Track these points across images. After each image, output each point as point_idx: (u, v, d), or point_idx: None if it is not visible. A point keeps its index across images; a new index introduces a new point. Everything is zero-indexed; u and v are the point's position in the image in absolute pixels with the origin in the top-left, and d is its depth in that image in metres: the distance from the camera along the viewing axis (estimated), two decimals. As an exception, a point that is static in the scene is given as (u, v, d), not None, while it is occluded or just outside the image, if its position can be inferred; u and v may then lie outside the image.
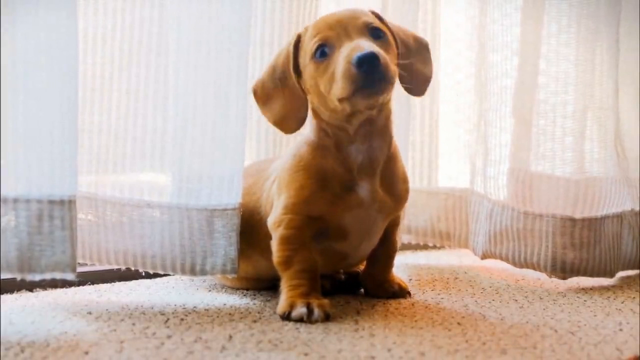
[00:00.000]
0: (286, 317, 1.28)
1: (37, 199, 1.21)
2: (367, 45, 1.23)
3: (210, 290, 1.51)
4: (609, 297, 1.51)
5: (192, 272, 1.41)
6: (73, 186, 1.25)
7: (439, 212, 1.89)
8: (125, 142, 1.43)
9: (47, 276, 1.22)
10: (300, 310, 1.27)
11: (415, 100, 1.83)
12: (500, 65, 1.72)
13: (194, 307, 1.37)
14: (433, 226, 1.90)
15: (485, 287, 1.58)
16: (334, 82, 1.25)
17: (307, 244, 1.34)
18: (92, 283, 1.54)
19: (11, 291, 1.44)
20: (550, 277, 1.64)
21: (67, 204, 1.23)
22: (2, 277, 1.32)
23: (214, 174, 1.41)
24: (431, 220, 1.89)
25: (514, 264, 1.68)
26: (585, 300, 1.47)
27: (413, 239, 1.91)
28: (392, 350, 1.10)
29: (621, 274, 1.72)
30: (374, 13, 1.35)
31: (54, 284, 1.47)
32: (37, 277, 1.22)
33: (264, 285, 1.50)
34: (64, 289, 1.48)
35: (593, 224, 1.64)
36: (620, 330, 1.25)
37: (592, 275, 1.64)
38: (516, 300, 1.46)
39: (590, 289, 1.59)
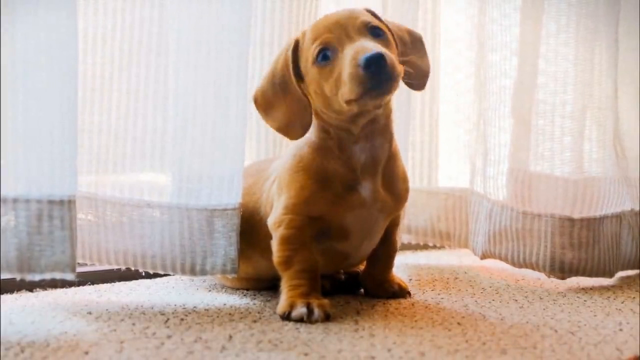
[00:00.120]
0: (286, 317, 1.28)
1: (36, 199, 1.21)
2: (372, 46, 1.22)
3: (210, 290, 1.51)
4: (609, 297, 1.51)
5: (192, 272, 1.41)
6: (73, 186, 1.25)
7: (438, 212, 1.89)
8: (125, 142, 1.43)
9: (47, 276, 1.22)
10: (300, 310, 1.27)
11: (416, 99, 1.84)
12: (499, 65, 1.72)
13: (194, 307, 1.37)
14: (433, 226, 1.90)
15: (485, 287, 1.58)
16: (340, 85, 1.25)
17: (307, 244, 1.34)
18: (92, 283, 1.54)
19: (11, 291, 1.44)
20: (549, 277, 1.64)
21: (67, 204, 1.23)
22: (2, 277, 1.32)
23: (214, 174, 1.41)
24: (431, 220, 1.89)
25: (513, 264, 1.68)
26: (585, 300, 1.47)
27: (413, 239, 1.91)
28: (392, 350, 1.10)
29: (621, 274, 1.72)
30: (369, 11, 1.35)
31: (54, 284, 1.47)
32: (37, 277, 1.22)
33: (264, 285, 1.50)
34: (64, 289, 1.48)
35: (592, 224, 1.64)
36: (620, 330, 1.25)
37: (591, 275, 1.64)
38: (516, 300, 1.46)
39: (590, 289, 1.60)
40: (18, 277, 1.21)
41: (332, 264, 1.44)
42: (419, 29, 1.75)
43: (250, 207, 1.44)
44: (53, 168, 1.23)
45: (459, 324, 1.27)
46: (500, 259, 1.70)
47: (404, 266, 1.79)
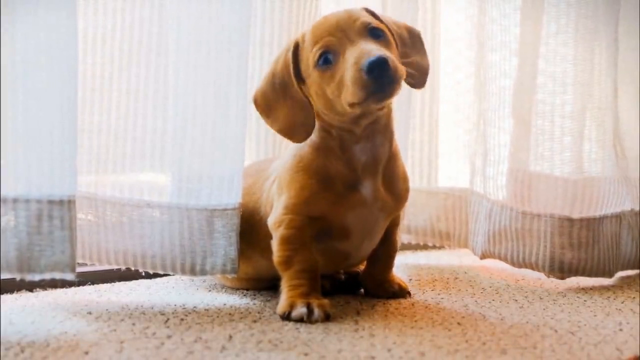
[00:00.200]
0: (286, 317, 1.28)
1: (36, 199, 1.21)
2: (374, 50, 1.22)
3: (210, 290, 1.51)
4: (609, 297, 1.51)
5: (192, 272, 1.41)
6: (73, 186, 1.25)
7: (438, 211, 1.89)
8: (125, 142, 1.43)
9: (47, 276, 1.22)
10: (300, 310, 1.27)
11: (416, 99, 1.84)
12: (499, 65, 1.72)
13: (194, 307, 1.37)
14: (432, 226, 1.90)
15: (485, 287, 1.58)
16: (343, 88, 1.25)
17: (307, 244, 1.34)
18: (92, 283, 1.54)
19: (11, 291, 1.44)
20: (549, 277, 1.64)
21: (67, 204, 1.23)
22: (2, 277, 1.32)
23: (214, 174, 1.41)
24: (431, 220, 1.89)
25: (513, 263, 1.68)
26: (585, 300, 1.47)
27: (413, 239, 1.92)
28: (392, 350, 1.10)
29: (621, 274, 1.72)
30: (367, 10, 1.35)
31: (54, 284, 1.47)
32: (37, 277, 1.22)
33: (264, 285, 1.50)
34: (64, 289, 1.48)
35: (591, 224, 1.64)
36: (620, 330, 1.25)
37: (590, 275, 1.64)
38: (516, 300, 1.46)
39: (590, 289, 1.59)
40: (18, 277, 1.21)
41: (332, 264, 1.44)
42: (418, 28, 1.75)
43: (250, 207, 1.44)
44: (53, 168, 1.23)
45: (459, 324, 1.27)
46: (500, 258, 1.70)
47: (404, 266, 1.79)
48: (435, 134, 1.91)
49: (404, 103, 1.73)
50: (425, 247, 2.02)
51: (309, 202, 1.33)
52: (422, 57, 1.38)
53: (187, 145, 1.40)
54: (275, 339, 1.16)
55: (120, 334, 1.18)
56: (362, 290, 1.50)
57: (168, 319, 1.27)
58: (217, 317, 1.30)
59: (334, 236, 1.36)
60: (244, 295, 1.48)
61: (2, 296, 1.40)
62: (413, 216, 1.88)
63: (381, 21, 1.33)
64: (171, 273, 1.42)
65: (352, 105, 1.25)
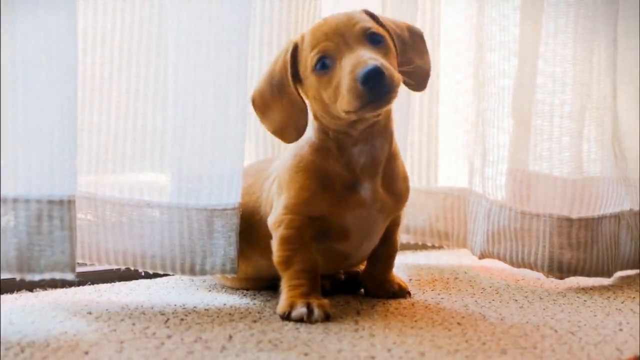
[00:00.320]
0: (286, 317, 1.28)
1: (36, 199, 1.21)
2: (370, 59, 1.21)
3: (210, 290, 1.51)
4: (609, 297, 1.51)
5: (192, 272, 1.41)
6: (72, 186, 1.25)
7: (437, 211, 1.89)
8: (124, 142, 1.43)
9: (47, 276, 1.22)
10: (300, 310, 1.27)
11: (415, 100, 1.84)
12: (498, 65, 1.72)
13: (194, 307, 1.37)
14: (431, 226, 1.90)
15: (485, 287, 1.58)
16: (339, 95, 1.25)
17: (307, 244, 1.34)
18: (92, 283, 1.54)
19: (11, 291, 1.44)
20: (548, 277, 1.64)
21: (67, 204, 1.23)
22: (2, 277, 1.32)
23: (214, 174, 1.41)
24: (429, 219, 1.89)
25: (512, 263, 1.68)
26: (585, 300, 1.47)
27: (411, 239, 1.92)
28: (392, 350, 1.10)
29: (620, 273, 1.72)
30: (367, 12, 1.34)
31: (54, 284, 1.47)
32: (37, 277, 1.22)
33: (264, 285, 1.50)
34: (64, 289, 1.48)
35: (590, 224, 1.64)
36: (620, 330, 1.25)
37: (589, 275, 1.64)
38: (516, 300, 1.46)
39: (590, 289, 1.60)
40: (18, 277, 1.21)
41: (332, 264, 1.43)
42: (418, 29, 1.75)
43: (250, 207, 1.44)
44: (53, 168, 1.23)
45: (459, 324, 1.27)
46: (499, 258, 1.70)
47: (404, 266, 1.79)
48: (435, 135, 1.91)
49: (404, 104, 1.73)
50: (425, 247, 2.02)
51: (308, 202, 1.33)
52: (423, 58, 1.38)
53: (187, 145, 1.40)
54: (275, 339, 1.16)
55: (120, 334, 1.18)
56: (362, 290, 1.50)
57: (168, 319, 1.27)
58: (217, 317, 1.30)
59: (333, 237, 1.36)
60: (244, 295, 1.48)
61: (2, 296, 1.40)
62: (412, 216, 1.89)
63: (381, 24, 1.33)
64: (171, 273, 1.43)
65: (347, 112, 1.25)
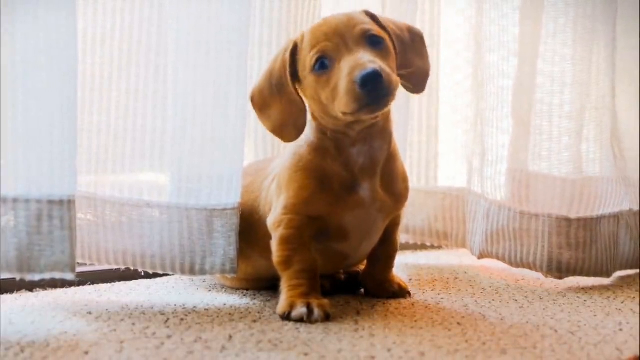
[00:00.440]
0: (286, 317, 1.28)
1: (36, 199, 1.21)
2: (369, 62, 1.22)
3: (210, 290, 1.51)
4: (609, 297, 1.51)
5: (192, 272, 1.41)
6: (72, 186, 1.25)
7: (436, 211, 1.89)
8: (124, 142, 1.43)
9: (47, 276, 1.22)
10: (300, 310, 1.27)
11: (414, 100, 1.84)
12: (497, 66, 1.72)
13: (194, 307, 1.37)
14: (430, 226, 1.90)
15: (485, 287, 1.58)
16: (337, 96, 1.25)
17: (307, 244, 1.34)
18: (92, 283, 1.54)
19: (11, 291, 1.44)
20: (547, 277, 1.64)
21: (67, 204, 1.23)
22: (2, 277, 1.32)
23: (214, 174, 1.41)
24: (429, 219, 1.89)
25: (511, 263, 1.68)
26: (585, 300, 1.47)
27: (411, 239, 1.92)
28: (392, 350, 1.10)
29: (620, 273, 1.72)
30: (367, 13, 1.34)
31: (54, 284, 1.47)
32: (37, 277, 1.22)
33: (264, 285, 1.50)
34: (64, 289, 1.48)
35: (589, 224, 1.64)
36: (620, 330, 1.25)
37: (588, 275, 1.64)
38: (516, 300, 1.46)
39: (590, 289, 1.60)
40: (18, 277, 1.21)
41: (331, 264, 1.43)
42: (418, 29, 1.75)
43: (249, 206, 1.44)
44: (53, 168, 1.23)
45: (459, 324, 1.27)
46: (498, 258, 1.70)
47: (404, 266, 1.79)
48: (434, 135, 1.91)
49: (403, 104, 1.72)
50: (425, 247, 2.02)
51: (308, 202, 1.33)
52: (423, 59, 1.38)
53: (187, 145, 1.40)
54: (275, 339, 1.16)
55: (120, 334, 1.18)
56: (362, 290, 1.50)
57: (168, 319, 1.27)
58: (217, 317, 1.30)
59: (332, 237, 1.36)
60: (244, 295, 1.48)
61: (2, 296, 1.40)
62: (411, 216, 1.88)
63: (382, 25, 1.33)
64: (171, 273, 1.43)
65: (344, 114, 1.25)
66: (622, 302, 1.46)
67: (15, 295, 1.43)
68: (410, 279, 1.64)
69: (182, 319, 1.27)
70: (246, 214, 1.43)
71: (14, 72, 1.20)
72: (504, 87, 1.72)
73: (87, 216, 1.41)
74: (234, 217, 1.41)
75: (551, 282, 1.65)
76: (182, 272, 1.41)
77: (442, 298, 1.46)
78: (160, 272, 1.42)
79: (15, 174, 1.21)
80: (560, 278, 1.63)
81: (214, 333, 1.19)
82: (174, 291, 1.50)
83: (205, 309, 1.35)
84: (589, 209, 1.67)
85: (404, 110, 1.74)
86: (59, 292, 1.47)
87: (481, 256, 1.73)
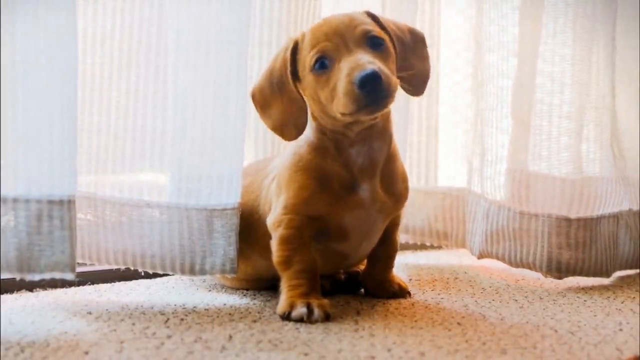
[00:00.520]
0: (286, 317, 1.28)
1: (36, 199, 1.21)
2: (368, 63, 1.22)
3: (210, 290, 1.51)
4: (609, 297, 1.51)
5: (192, 271, 1.41)
6: (72, 186, 1.25)
7: (436, 211, 1.89)
8: (124, 142, 1.43)
9: (47, 276, 1.22)
10: (300, 310, 1.27)
11: (414, 100, 1.83)
12: (497, 66, 1.72)
13: (194, 307, 1.37)
14: (430, 226, 1.90)
15: (485, 287, 1.58)
16: (335, 97, 1.25)
17: (306, 244, 1.34)
18: (92, 283, 1.54)
19: (11, 291, 1.44)
20: (546, 277, 1.64)
21: (67, 204, 1.23)
22: (2, 277, 1.32)
23: (214, 174, 1.41)
24: (428, 219, 1.89)
25: (510, 263, 1.68)
26: (585, 300, 1.47)
27: (410, 239, 1.92)
28: (392, 350, 1.10)
29: (620, 273, 1.72)
30: (369, 14, 1.34)
31: (54, 284, 1.47)
32: (37, 277, 1.22)
33: (264, 285, 1.50)
34: (64, 289, 1.48)
35: (588, 224, 1.64)
36: (620, 330, 1.25)
37: (588, 275, 1.64)
38: (516, 300, 1.46)
39: (590, 289, 1.60)
40: (18, 277, 1.21)
41: (331, 265, 1.43)
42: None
43: (248, 205, 1.44)
44: (53, 168, 1.23)
45: (459, 324, 1.27)
46: (497, 258, 1.70)
47: (404, 266, 1.79)
48: (434, 135, 1.91)
49: (403, 104, 1.72)
50: (424, 247, 2.02)
51: (307, 202, 1.33)
52: (423, 62, 1.37)
53: (187, 145, 1.40)
54: (275, 339, 1.16)
55: (120, 334, 1.18)
56: (362, 290, 1.50)
57: (168, 319, 1.27)
58: (217, 317, 1.30)
59: (332, 237, 1.36)
60: (244, 295, 1.48)
61: (2, 296, 1.40)
62: (411, 216, 1.88)
63: (383, 26, 1.33)
64: (171, 273, 1.43)
65: (343, 114, 1.25)
66: (622, 302, 1.46)
67: (15, 295, 1.43)
68: (410, 279, 1.64)
69: (182, 319, 1.27)
70: (246, 213, 1.43)
71: (14, 72, 1.20)
72: (503, 87, 1.72)
73: (87, 216, 1.41)
74: (234, 217, 1.41)
75: (551, 282, 1.65)
76: (182, 272, 1.41)
77: (442, 298, 1.46)
78: (160, 272, 1.42)
79: (15, 174, 1.21)
80: (560, 278, 1.63)
81: (214, 333, 1.19)
82: (174, 291, 1.50)
83: (205, 309, 1.35)
84: (589, 209, 1.67)
85: (403, 110, 1.74)
86: (59, 292, 1.47)
87: (481, 256, 1.73)
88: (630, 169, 1.79)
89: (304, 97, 1.34)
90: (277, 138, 1.63)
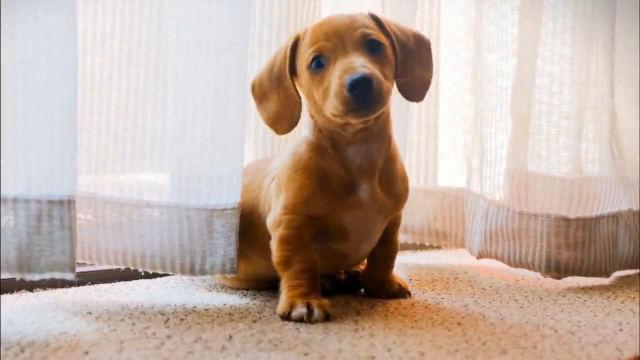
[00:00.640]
0: (286, 317, 1.28)
1: (36, 199, 1.21)
2: (360, 67, 1.22)
3: (210, 290, 1.51)
4: (608, 297, 1.51)
5: (192, 271, 1.41)
6: (72, 186, 1.25)
7: (435, 211, 1.89)
8: (124, 142, 1.43)
9: (47, 276, 1.22)
10: (300, 310, 1.27)
11: (414, 100, 1.83)
12: (497, 66, 1.72)
13: (194, 307, 1.37)
14: (429, 225, 1.90)
15: (485, 287, 1.58)
16: (327, 97, 1.25)
17: (306, 244, 1.34)
18: (92, 283, 1.54)
19: (11, 291, 1.44)
20: (545, 276, 1.64)
21: (67, 204, 1.23)
22: (2, 277, 1.32)
23: (213, 174, 1.41)
24: (427, 219, 1.89)
25: (509, 263, 1.68)
26: (585, 300, 1.48)
27: (409, 239, 1.92)
28: (392, 350, 1.10)
29: (619, 273, 1.72)
30: (372, 17, 1.34)
31: (54, 284, 1.47)
32: (37, 277, 1.22)
33: (264, 285, 1.50)
34: (64, 289, 1.48)
35: (587, 223, 1.64)
36: (620, 330, 1.25)
37: (587, 275, 1.64)
38: (516, 300, 1.46)
39: (590, 289, 1.60)
40: (18, 277, 1.21)
41: (331, 264, 1.43)
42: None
43: (248, 205, 1.44)
44: (52, 168, 1.23)
45: (459, 324, 1.27)
46: (497, 258, 1.70)
47: (404, 266, 1.79)
48: (434, 135, 1.91)
49: (403, 104, 1.72)
50: (424, 247, 2.02)
51: (307, 202, 1.33)
52: (425, 68, 1.37)
53: (187, 145, 1.40)
54: (275, 339, 1.16)
55: (120, 334, 1.18)
56: (362, 290, 1.50)
57: (168, 319, 1.27)
58: (217, 317, 1.30)
59: (332, 237, 1.36)
60: (244, 295, 1.48)
61: (2, 296, 1.40)
62: (410, 216, 1.88)
63: (385, 30, 1.33)
64: (171, 273, 1.43)
65: (333, 115, 1.26)
66: (622, 302, 1.46)
67: (15, 295, 1.43)
68: (410, 279, 1.64)
69: (182, 319, 1.27)
70: (245, 213, 1.43)
71: (14, 72, 1.20)
72: (503, 87, 1.72)
73: (87, 216, 1.41)
74: (234, 217, 1.41)
75: (551, 282, 1.65)
76: (182, 272, 1.41)
77: (442, 298, 1.46)
78: (160, 272, 1.42)
79: (15, 174, 1.21)
80: (559, 278, 1.63)
81: (214, 333, 1.19)
82: (174, 291, 1.50)
83: (205, 309, 1.35)
84: (588, 208, 1.67)
85: (403, 110, 1.74)
86: (59, 292, 1.47)
87: (480, 256, 1.73)
88: (630, 168, 1.79)
89: (300, 93, 1.34)
90: (277, 138, 1.64)
